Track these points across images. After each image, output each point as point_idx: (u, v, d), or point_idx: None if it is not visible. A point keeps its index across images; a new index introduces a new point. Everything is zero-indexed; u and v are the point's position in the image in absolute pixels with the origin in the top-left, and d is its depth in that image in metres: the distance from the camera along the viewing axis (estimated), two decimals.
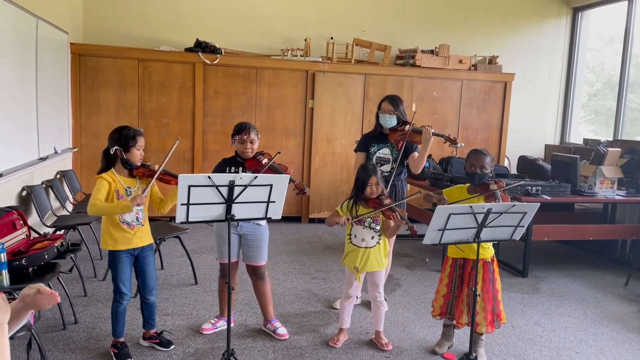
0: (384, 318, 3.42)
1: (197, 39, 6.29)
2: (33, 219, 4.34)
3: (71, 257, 3.63)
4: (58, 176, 5.36)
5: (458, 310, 3.16)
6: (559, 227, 5.15)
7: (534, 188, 4.83)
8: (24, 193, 4.36)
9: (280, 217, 2.84)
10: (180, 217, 2.61)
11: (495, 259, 3.18)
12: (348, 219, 3.16)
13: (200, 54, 6.22)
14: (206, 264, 4.85)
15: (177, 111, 6.29)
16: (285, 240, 5.86)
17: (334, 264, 5.05)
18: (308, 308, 3.97)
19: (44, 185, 4.73)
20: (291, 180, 3.10)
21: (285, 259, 5.19)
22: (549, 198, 4.82)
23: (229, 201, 2.66)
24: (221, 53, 6.30)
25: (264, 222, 3.31)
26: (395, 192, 3.84)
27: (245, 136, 3.21)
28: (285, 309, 3.92)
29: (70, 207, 5.21)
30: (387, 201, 3.14)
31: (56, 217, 4.69)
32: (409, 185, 5.92)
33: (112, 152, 2.93)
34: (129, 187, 2.98)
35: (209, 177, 2.56)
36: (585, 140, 6.82)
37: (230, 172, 3.21)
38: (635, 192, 5.19)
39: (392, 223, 3.16)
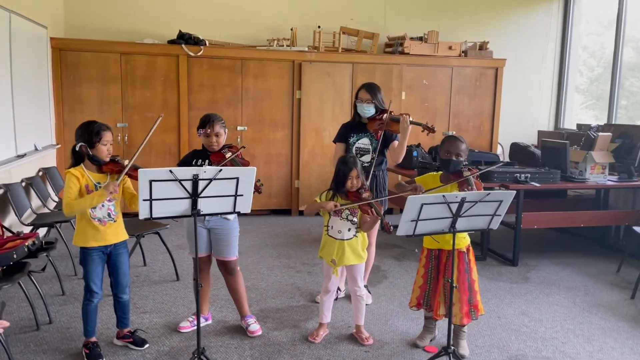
0: (364, 312, 3.34)
1: (180, 31, 6.18)
2: (11, 218, 4.27)
3: (46, 256, 3.57)
4: (40, 173, 5.28)
5: (435, 302, 3.08)
6: (549, 215, 5.05)
7: (523, 175, 4.74)
8: (1, 191, 4.28)
9: (249, 211, 2.75)
10: (143, 213, 2.52)
11: (471, 248, 3.08)
12: (336, 205, 3.07)
13: (183, 46, 6.11)
14: (190, 259, 4.75)
15: (161, 105, 6.19)
16: (273, 234, 5.78)
17: None
18: (290, 302, 3.90)
19: (23, 184, 4.65)
20: None
21: (272, 252, 5.11)
22: (538, 185, 4.72)
23: (194, 195, 2.57)
24: (205, 44, 6.19)
25: (232, 217, 3.22)
26: (377, 182, 3.75)
27: (210, 130, 3.11)
28: (267, 304, 3.85)
29: (52, 204, 5.14)
30: (366, 194, 3.07)
31: (35, 216, 4.62)
32: (399, 175, 5.84)
33: (77, 149, 2.87)
34: (99, 183, 2.91)
35: (171, 172, 2.47)
36: (579, 126, 6.69)
37: (196, 164, 3.12)
38: (627, 177, 5.07)
39: (368, 218, 3.08)
